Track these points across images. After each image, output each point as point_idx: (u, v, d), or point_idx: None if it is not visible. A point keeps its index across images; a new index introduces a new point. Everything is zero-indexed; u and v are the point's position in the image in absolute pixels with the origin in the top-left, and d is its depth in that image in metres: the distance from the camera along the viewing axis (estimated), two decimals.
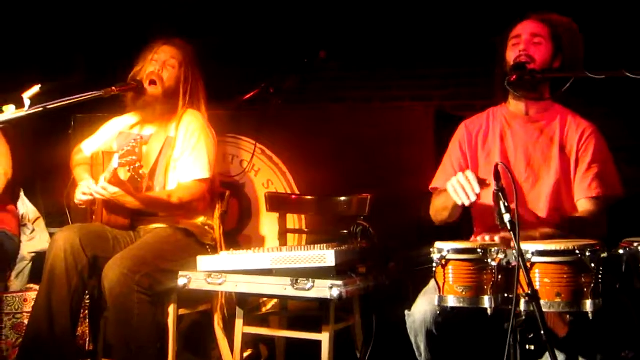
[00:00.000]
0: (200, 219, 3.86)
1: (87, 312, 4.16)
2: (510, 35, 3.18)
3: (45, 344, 3.48)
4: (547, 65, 3.08)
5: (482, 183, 2.78)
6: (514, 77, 3.01)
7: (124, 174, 3.58)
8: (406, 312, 2.89)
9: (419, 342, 2.85)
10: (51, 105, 3.45)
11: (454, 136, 3.34)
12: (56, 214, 4.18)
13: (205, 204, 3.88)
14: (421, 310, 2.81)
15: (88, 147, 4.04)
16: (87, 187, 3.65)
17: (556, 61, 3.10)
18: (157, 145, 3.83)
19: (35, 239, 4.28)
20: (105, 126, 4.08)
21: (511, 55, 3.12)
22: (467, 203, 2.77)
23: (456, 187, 2.79)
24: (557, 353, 2.75)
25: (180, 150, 3.78)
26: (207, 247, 3.79)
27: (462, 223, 3.21)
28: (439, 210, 3.15)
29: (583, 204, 3.06)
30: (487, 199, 2.74)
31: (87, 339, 4.15)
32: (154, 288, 3.46)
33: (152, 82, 3.81)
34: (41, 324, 3.50)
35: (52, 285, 3.51)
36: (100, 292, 3.74)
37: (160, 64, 3.83)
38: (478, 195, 2.75)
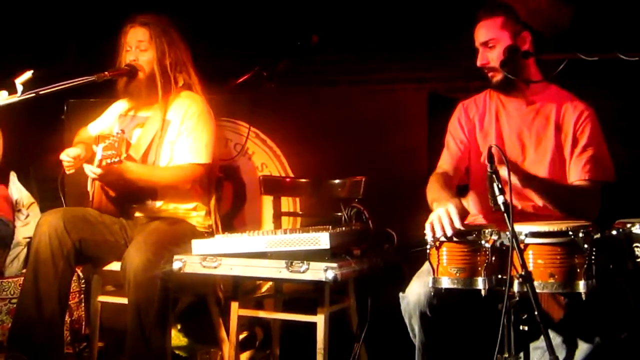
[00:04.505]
0: (194, 204, 3.81)
1: (82, 296, 4.17)
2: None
3: (34, 329, 3.47)
4: None
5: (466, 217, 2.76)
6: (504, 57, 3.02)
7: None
8: (400, 294, 2.90)
9: (413, 324, 2.87)
10: (44, 90, 3.43)
11: (452, 116, 3.33)
12: (50, 199, 4.17)
13: (202, 190, 3.85)
14: (415, 292, 2.83)
15: (94, 128, 4.00)
16: (67, 155, 3.60)
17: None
18: (152, 129, 3.78)
19: (30, 224, 4.26)
20: (110, 109, 4.03)
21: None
22: (442, 238, 2.64)
23: (434, 222, 2.66)
24: (555, 335, 2.79)
25: (176, 133, 3.73)
26: (205, 234, 3.76)
27: None
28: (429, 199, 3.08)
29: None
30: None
31: (83, 323, 4.16)
32: (170, 275, 3.41)
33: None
34: (29, 309, 3.48)
35: (38, 270, 3.49)
36: (93, 275, 3.77)
37: (134, 52, 3.76)
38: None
